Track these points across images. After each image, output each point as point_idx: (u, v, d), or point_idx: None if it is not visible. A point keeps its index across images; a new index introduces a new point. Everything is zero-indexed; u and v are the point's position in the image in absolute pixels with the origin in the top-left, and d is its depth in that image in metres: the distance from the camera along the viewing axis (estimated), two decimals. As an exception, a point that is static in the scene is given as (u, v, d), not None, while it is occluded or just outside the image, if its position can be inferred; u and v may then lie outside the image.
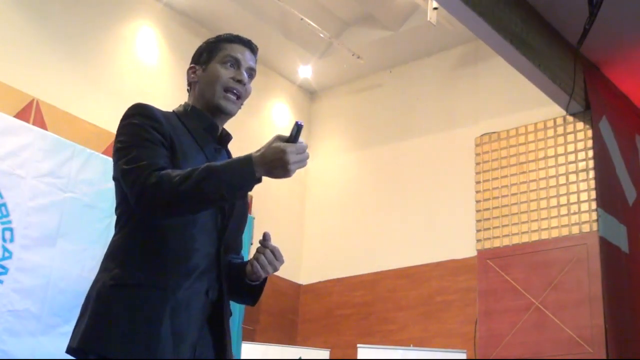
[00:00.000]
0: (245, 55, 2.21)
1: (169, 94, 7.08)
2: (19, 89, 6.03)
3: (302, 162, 1.91)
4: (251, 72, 2.22)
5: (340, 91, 9.07)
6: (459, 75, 8.10)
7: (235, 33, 2.29)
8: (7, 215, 5.15)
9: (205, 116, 2.18)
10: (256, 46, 2.28)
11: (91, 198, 5.71)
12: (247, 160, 1.90)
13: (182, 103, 2.25)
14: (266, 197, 7.96)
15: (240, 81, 2.17)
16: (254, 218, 7.33)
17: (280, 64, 8.68)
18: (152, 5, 7.47)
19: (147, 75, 7.23)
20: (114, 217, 2.13)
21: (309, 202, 8.86)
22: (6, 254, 5.09)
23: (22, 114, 5.89)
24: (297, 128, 1.90)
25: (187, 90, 2.27)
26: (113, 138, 2.14)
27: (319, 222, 8.70)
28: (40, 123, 5.97)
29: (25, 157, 5.34)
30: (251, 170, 1.88)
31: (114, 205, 2.12)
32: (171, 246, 1.99)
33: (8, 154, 5.24)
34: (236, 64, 2.19)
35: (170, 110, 2.22)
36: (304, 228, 8.76)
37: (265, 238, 2.09)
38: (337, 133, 9.03)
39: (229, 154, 2.24)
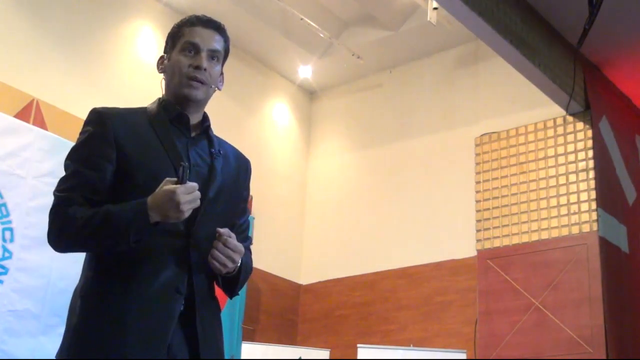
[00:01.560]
0: (205, 38, 2.14)
1: (169, 94, 7.08)
2: (19, 89, 6.04)
3: (193, 202, 1.93)
4: (214, 54, 2.15)
5: (340, 91, 9.07)
6: (458, 75, 8.10)
7: (202, 15, 2.21)
8: (7, 215, 5.14)
9: (172, 107, 2.13)
10: (220, 23, 2.20)
11: (91, 198, 5.69)
12: (142, 206, 1.92)
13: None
14: (266, 197, 7.95)
15: (198, 67, 2.11)
16: (254, 218, 7.32)
17: (280, 64, 8.68)
18: (152, 5, 7.47)
19: (147, 75, 7.22)
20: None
21: (309, 202, 8.85)
22: (6, 254, 5.08)
23: (22, 114, 5.89)
24: (183, 169, 1.93)
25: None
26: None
27: (319, 222, 8.70)
28: (40, 123, 5.97)
29: (25, 157, 5.32)
30: (145, 217, 1.91)
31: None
32: (134, 247, 1.96)
33: (8, 154, 5.23)
34: (194, 49, 2.13)
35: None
36: (304, 228, 8.76)
37: (220, 233, 2.02)
38: (337, 133, 9.03)
39: (210, 140, 2.18)
